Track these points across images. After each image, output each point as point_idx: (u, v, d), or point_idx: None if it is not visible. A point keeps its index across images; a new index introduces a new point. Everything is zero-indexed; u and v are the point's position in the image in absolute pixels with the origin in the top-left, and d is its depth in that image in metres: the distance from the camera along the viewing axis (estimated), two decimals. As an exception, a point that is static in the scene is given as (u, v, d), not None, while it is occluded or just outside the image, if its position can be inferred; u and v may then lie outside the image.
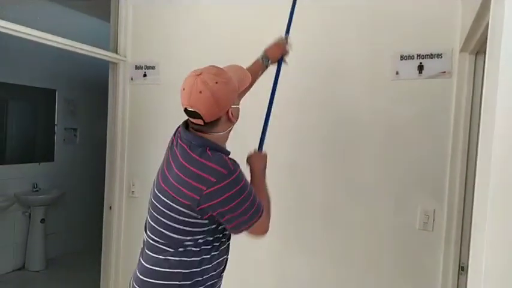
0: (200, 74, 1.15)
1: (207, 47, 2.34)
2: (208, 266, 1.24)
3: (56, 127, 4.24)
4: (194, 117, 1.17)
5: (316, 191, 2.08)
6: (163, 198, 1.21)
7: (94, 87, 4.12)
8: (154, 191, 1.27)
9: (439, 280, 1.82)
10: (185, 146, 1.20)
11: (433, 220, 1.85)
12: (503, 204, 0.73)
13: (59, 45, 2.21)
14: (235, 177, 1.14)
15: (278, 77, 1.66)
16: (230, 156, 1.24)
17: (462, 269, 1.78)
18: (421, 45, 1.84)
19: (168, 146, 1.35)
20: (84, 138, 4.49)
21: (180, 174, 1.16)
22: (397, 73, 1.88)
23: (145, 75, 2.55)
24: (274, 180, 2.18)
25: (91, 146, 4.39)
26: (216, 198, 1.12)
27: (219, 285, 1.35)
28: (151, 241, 1.27)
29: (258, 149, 1.55)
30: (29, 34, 2.01)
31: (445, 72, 1.80)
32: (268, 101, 1.64)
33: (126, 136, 2.63)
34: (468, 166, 1.76)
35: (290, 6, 1.76)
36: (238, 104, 1.28)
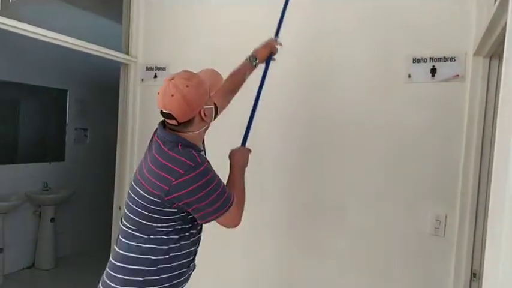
0: (172, 79, 1.25)
1: (218, 48, 2.34)
2: (177, 253, 1.32)
3: (66, 127, 4.28)
4: (169, 118, 1.26)
5: (325, 196, 2.07)
6: (138, 188, 1.29)
7: (105, 87, 4.16)
8: (132, 183, 1.36)
9: (450, 287, 1.80)
10: (160, 142, 1.30)
11: (445, 225, 1.82)
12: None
13: (71, 46, 2.24)
14: (202, 170, 1.22)
15: (266, 75, 1.74)
16: (206, 154, 1.39)
17: (474, 275, 1.75)
18: (434, 48, 1.82)
19: (148, 143, 1.44)
20: (94, 138, 4.52)
21: (152, 167, 1.26)
22: (409, 76, 1.86)
23: (156, 76, 2.56)
24: (282, 184, 2.19)
25: (101, 146, 4.42)
26: (184, 188, 1.20)
27: (189, 275, 1.42)
28: (125, 228, 1.34)
29: (242, 144, 1.63)
30: (41, 34, 2.04)
31: (458, 75, 1.78)
32: (254, 98, 1.70)
33: (136, 137, 2.64)
34: (481, 170, 1.74)
35: (281, 9, 1.84)
36: (211, 105, 1.35)
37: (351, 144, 2.00)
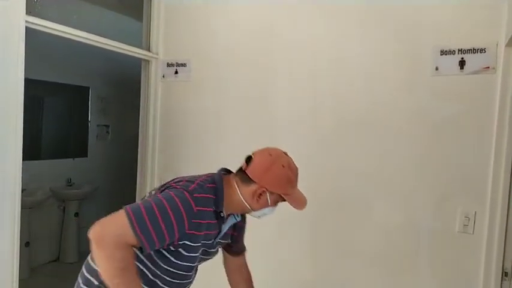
0: (287, 156, 1.25)
1: (238, 44, 2.33)
2: None
3: (89, 124, 4.35)
4: (246, 161, 1.22)
5: (351, 191, 2.03)
6: None
7: (126, 84, 4.20)
8: None
9: (479, 286, 1.75)
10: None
11: (474, 223, 1.77)
12: None
13: (93, 43, 2.25)
14: (178, 196, 1.08)
15: None
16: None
17: (505, 274, 1.70)
18: (462, 39, 1.76)
19: None
20: (116, 134, 4.58)
21: None
22: (436, 69, 1.81)
23: (176, 72, 2.56)
24: (307, 181, 2.16)
25: (123, 143, 4.48)
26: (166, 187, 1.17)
27: None
28: None
29: None
30: (65, 32, 2.06)
31: (488, 67, 1.72)
32: None
33: (157, 132, 2.66)
34: (513, 166, 1.67)
35: None
36: (273, 205, 1.24)
37: (378, 139, 1.96)
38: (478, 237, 1.75)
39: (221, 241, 1.30)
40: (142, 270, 1.16)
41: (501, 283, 1.70)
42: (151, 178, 2.67)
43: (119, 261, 1.01)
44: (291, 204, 1.25)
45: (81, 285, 1.22)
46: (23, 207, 1.90)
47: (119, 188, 4.39)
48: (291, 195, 1.23)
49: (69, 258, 4.04)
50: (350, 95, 2.01)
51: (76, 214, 4.07)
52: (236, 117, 2.33)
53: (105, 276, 1.03)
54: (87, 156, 4.35)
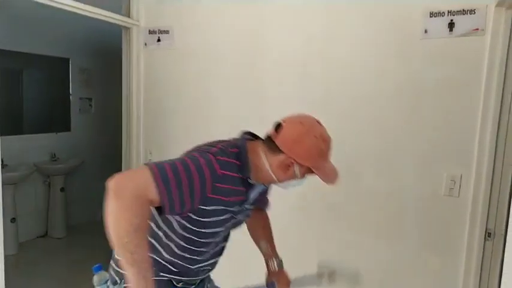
0: (320, 125, 1.15)
1: (223, 9, 2.25)
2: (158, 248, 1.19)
3: (71, 97, 4.22)
4: (275, 128, 1.13)
5: (338, 156, 2.01)
6: None
7: (108, 56, 4.05)
8: None
9: (463, 246, 1.79)
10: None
11: (459, 186, 1.79)
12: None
13: (70, 9, 2.14)
14: (204, 155, 1.05)
15: None
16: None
17: (489, 235, 1.74)
18: (452, 0, 1.71)
19: None
20: (99, 107, 4.47)
21: None
22: (425, 31, 1.77)
23: (159, 40, 2.48)
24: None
25: (107, 116, 4.38)
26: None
27: None
28: None
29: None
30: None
31: (477, 29, 1.69)
32: None
33: (141, 103, 2.59)
34: (499, 129, 1.68)
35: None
36: (301, 177, 1.14)
37: (364, 103, 1.94)
38: (464, 199, 1.78)
39: (248, 207, 1.24)
40: (169, 245, 1.17)
41: (484, 243, 1.75)
42: (136, 150, 2.62)
43: (135, 216, 0.94)
44: (321, 178, 1.15)
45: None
46: (5, 182, 1.85)
47: (104, 162, 4.33)
48: (322, 169, 1.14)
49: (58, 234, 4.01)
50: (338, 59, 1.98)
51: (62, 189, 4.01)
52: (222, 84, 2.28)
53: (114, 233, 0.94)
54: (70, 130, 4.25)
